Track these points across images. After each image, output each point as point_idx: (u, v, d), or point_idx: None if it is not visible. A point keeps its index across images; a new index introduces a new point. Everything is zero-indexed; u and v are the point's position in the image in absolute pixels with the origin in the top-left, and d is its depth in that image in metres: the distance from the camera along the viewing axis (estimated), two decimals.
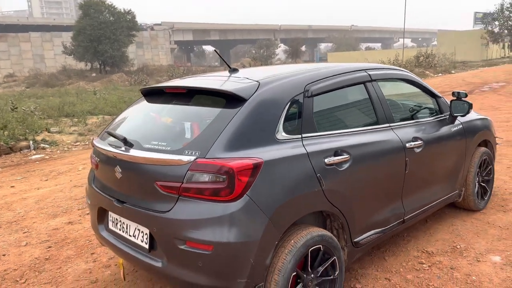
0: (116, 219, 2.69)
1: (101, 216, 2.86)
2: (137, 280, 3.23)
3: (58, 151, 8.45)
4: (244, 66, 38.70)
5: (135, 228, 2.52)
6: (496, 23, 38.75)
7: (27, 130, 8.82)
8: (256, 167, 2.16)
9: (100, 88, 21.38)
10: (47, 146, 8.66)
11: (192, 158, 2.17)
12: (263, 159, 2.21)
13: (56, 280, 3.30)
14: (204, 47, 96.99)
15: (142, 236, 2.46)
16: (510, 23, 38.08)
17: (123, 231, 2.64)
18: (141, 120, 2.95)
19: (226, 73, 2.97)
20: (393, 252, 3.40)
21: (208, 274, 2.16)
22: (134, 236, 2.53)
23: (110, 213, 2.76)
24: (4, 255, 3.79)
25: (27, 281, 3.30)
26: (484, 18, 53.43)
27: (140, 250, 2.48)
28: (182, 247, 2.18)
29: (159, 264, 2.33)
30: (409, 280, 2.97)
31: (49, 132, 9.51)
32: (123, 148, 2.53)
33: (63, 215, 4.75)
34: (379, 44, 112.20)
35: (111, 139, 2.73)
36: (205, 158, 2.16)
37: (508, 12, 38.42)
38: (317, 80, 2.71)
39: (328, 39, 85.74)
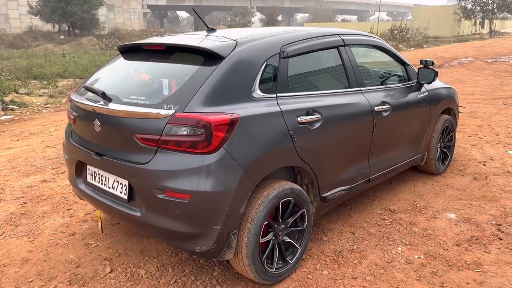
0: (95, 172, 2.77)
1: (79, 170, 2.93)
2: (114, 233, 3.34)
3: (28, 113, 8.28)
4: None
5: (114, 180, 2.61)
6: None
7: None
8: (232, 122, 2.27)
9: (69, 51, 20.69)
10: (16, 107, 8.46)
11: (171, 112, 2.26)
12: (239, 115, 2.32)
13: (33, 233, 3.37)
14: (178, 12, 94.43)
15: (121, 188, 2.56)
16: None
17: (101, 184, 2.72)
18: (119, 76, 2.98)
19: (204, 32, 3.02)
20: (358, 210, 3.63)
21: (185, 221, 2.29)
22: (113, 188, 2.62)
23: (88, 166, 2.83)
24: None
25: (3, 234, 3.36)
26: None
27: (119, 201, 2.57)
28: (160, 196, 2.30)
29: (138, 214, 2.44)
30: (371, 233, 3.21)
31: (17, 93, 9.25)
32: (101, 102, 2.58)
33: (37, 173, 4.76)
34: (355, 17, 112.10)
35: (90, 94, 2.77)
36: (184, 112, 2.25)
37: None
38: (292, 42, 2.80)
39: (305, 9, 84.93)
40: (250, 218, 2.40)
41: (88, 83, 2.96)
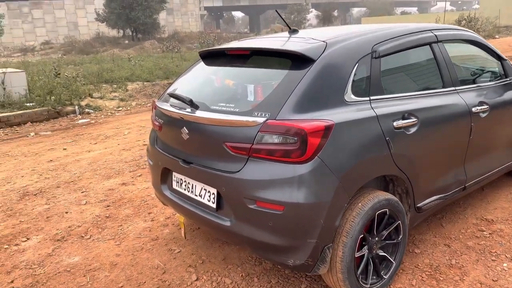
0: (181, 179, 2.76)
1: (164, 177, 2.94)
2: (195, 238, 3.34)
3: (102, 116, 8.67)
4: (275, 32, 37.99)
5: (201, 188, 2.58)
6: None
7: (72, 96, 9.05)
8: (327, 129, 2.15)
9: (134, 55, 21.55)
10: (91, 111, 8.89)
11: (262, 119, 2.18)
12: (334, 121, 2.19)
13: (119, 236, 3.45)
14: (234, 13, 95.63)
15: (209, 196, 2.52)
16: None
17: (188, 191, 2.71)
18: (201, 82, 2.96)
19: (286, 34, 2.92)
20: (450, 219, 3.36)
21: (278, 233, 2.20)
22: (200, 196, 2.60)
23: (174, 173, 2.83)
24: (66, 212, 3.98)
25: (92, 237, 3.48)
26: None
27: (206, 210, 2.54)
28: (251, 206, 2.23)
29: (226, 223, 2.39)
30: (470, 247, 2.94)
31: (91, 97, 9.74)
32: (189, 110, 2.56)
33: (116, 176, 4.92)
34: (415, 9, 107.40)
35: (175, 101, 2.77)
36: (276, 120, 2.16)
37: None
38: (384, 41, 2.62)
39: (362, 3, 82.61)
40: (345, 231, 2.26)
41: (172, 89, 2.97)
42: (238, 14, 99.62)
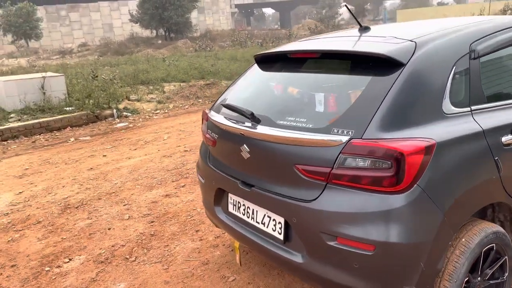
0: (239, 202, 2.42)
1: (218, 198, 2.61)
2: (250, 263, 3.00)
3: (140, 119, 8.50)
4: (309, 28, 37.20)
5: (265, 215, 2.23)
6: None
7: (109, 99, 8.93)
8: (428, 150, 1.74)
9: (167, 55, 21.55)
10: (129, 114, 8.74)
11: (345, 138, 1.79)
12: (435, 139, 1.77)
13: (166, 259, 3.16)
14: (264, 10, 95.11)
15: (275, 225, 2.16)
16: None
17: (247, 216, 2.36)
18: (260, 91, 2.60)
19: (355, 32, 2.52)
20: None
21: (366, 278, 1.81)
22: (263, 224, 2.24)
23: (230, 195, 2.49)
24: (109, 228, 3.74)
25: (137, 259, 3.20)
26: None
27: (270, 240, 2.19)
28: (331, 243, 1.85)
29: (297, 259, 2.02)
30: None
31: (129, 100, 9.60)
32: (249, 125, 2.21)
33: (159, 187, 4.66)
34: None
35: (230, 113, 2.43)
36: (362, 139, 1.76)
37: None
38: (483, 37, 2.17)
39: None
40: (448, 275, 1.85)
41: (226, 99, 2.62)
42: (268, 11, 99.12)
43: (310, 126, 1.96)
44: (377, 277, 1.79)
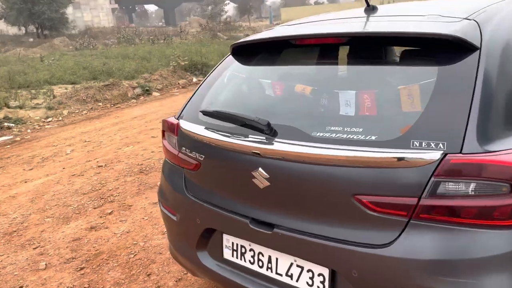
0: (243, 247, 1.76)
1: (204, 240, 1.91)
2: None
3: (29, 130, 7.02)
4: (200, 25, 36.31)
5: (291, 264, 1.62)
6: None
7: None
8: None
9: (45, 54, 19.07)
10: (12, 124, 7.19)
11: (438, 154, 1.26)
12: None
13: None
14: (146, 6, 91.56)
15: (311, 278, 1.56)
16: None
17: (260, 266, 1.72)
18: (252, 92, 1.97)
19: (361, 12, 2.02)
20: None
21: None
22: (289, 276, 1.63)
23: (227, 237, 1.81)
24: (21, 287, 2.72)
25: None
26: None
27: None
28: None
29: None
30: None
31: (9, 108, 7.95)
32: (262, 139, 1.57)
33: (78, 217, 3.66)
34: None
35: (219, 122, 1.75)
36: (463, 154, 1.25)
37: None
38: None
39: None
40: None
41: (207, 104, 1.94)
42: (151, 8, 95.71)
43: (373, 138, 1.39)
44: None
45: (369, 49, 1.74)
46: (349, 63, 1.78)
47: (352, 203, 1.39)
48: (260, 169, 1.57)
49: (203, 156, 1.81)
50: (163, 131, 2.15)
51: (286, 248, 1.60)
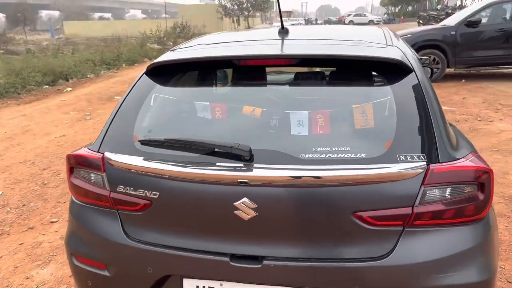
0: None
1: None
2: None
3: None
4: None
5: None
6: None
7: None
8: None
9: None
10: None
11: (422, 165, 1.41)
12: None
13: None
14: None
15: None
16: None
17: None
18: (199, 115, 1.76)
19: (276, 34, 2.09)
20: None
21: None
22: None
23: (189, 281, 1.58)
24: None
25: None
26: None
27: None
28: None
29: None
30: None
31: None
32: (240, 165, 1.45)
33: None
34: (109, 14, 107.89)
35: (169, 152, 1.55)
36: (441, 164, 1.43)
37: None
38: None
39: (54, 5, 76.53)
40: None
41: (157, 132, 1.66)
42: None
43: (363, 156, 1.44)
44: None
45: (310, 70, 1.80)
46: (296, 84, 1.80)
47: (352, 221, 1.41)
48: (245, 199, 1.43)
49: (157, 193, 1.53)
50: (71, 168, 1.73)
51: (279, 280, 1.49)
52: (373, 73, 1.75)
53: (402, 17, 49.58)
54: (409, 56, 1.76)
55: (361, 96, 1.70)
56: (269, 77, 1.92)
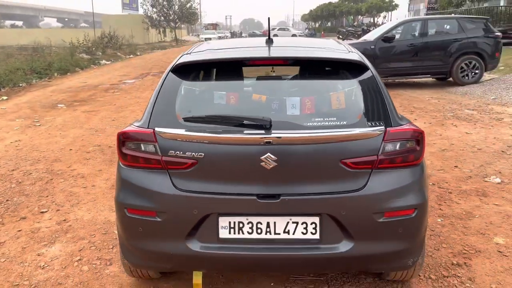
0: (241, 222, 2.19)
1: (194, 229, 2.19)
2: None
3: None
4: None
5: (287, 223, 2.20)
6: (154, 9, 42.99)
7: None
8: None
9: None
10: None
11: (382, 128, 2.16)
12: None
13: None
14: None
15: (305, 228, 2.19)
16: (165, 11, 43.17)
17: (258, 233, 2.19)
18: (212, 101, 2.36)
19: (263, 42, 2.75)
20: None
21: (407, 237, 2.25)
22: (287, 232, 2.20)
23: (224, 218, 2.17)
24: None
25: None
26: (130, 4, 57.80)
27: (300, 245, 2.19)
28: (380, 220, 2.17)
29: (341, 249, 2.17)
30: None
31: None
32: (262, 132, 2.10)
33: None
34: (21, 22, 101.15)
35: (208, 125, 2.17)
36: (393, 127, 2.20)
37: (161, 0, 43.39)
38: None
39: None
40: None
41: (196, 112, 2.25)
42: None
43: (345, 123, 2.16)
44: (415, 233, 2.28)
45: (293, 68, 2.50)
46: (289, 78, 2.48)
47: (339, 166, 2.12)
48: (268, 154, 2.07)
49: (203, 154, 2.11)
50: (124, 141, 2.23)
51: (290, 210, 2.14)
52: (342, 70, 2.48)
53: (322, 32, 52.91)
54: (364, 59, 2.52)
55: (336, 86, 2.43)
56: (269, 73, 2.58)
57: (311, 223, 2.16)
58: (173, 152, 2.14)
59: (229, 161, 2.16)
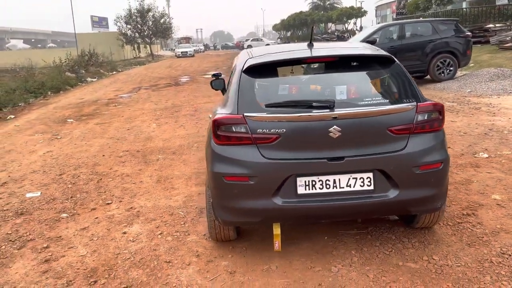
0: (313, 181, 2.87)
1: (278, 189, 2.86)
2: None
3: None
4: None
5: (349, 179, 2.89)
6: (129, 26, 43.33)
7: None
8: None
9: None
10: None
11: (414, 103, 2.91)
12: None
13: None
14: None
15: (362, 182, 2.90)
16: (139, 27, 43.60)
17: (327, 188, 2.87)
18: (292, 90, 3.09)
19: (305, 45, 3.47)
20: None
21: (437, 185, 3.00)
22: (349, 186, 2.89)
23: (300, 178, 2.85)
24: None
25: None
26: (99, 22, 57.87)
27: (358, 196, 2.89)
28: (417, 172, 2.90)
29: (390, 195, 2.89)
30: None
31: None
32: (327, 110, 2.81)
33: None
34: None
35: (285, 109, 2.87)
36: (424, 102, 2.95)
37: (135, 17, 43.83)
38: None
39: None
40: None
41: (274, 100, 2.97)
42: None
43: (387, 101, 2.90)
44: (442, 182, 3.02)
45: (339, 63, 3.22)
46: (336, 72, 3.20)
47: (386, 133, 2.85)
48: (335, 126, 2.77)
49: (284, 130, 2.79)
50: (218, 126, 2.89)
51: (349, 169, 2.84)
52: (375, 63, 3.22)
53: (296, 41, 54.34)
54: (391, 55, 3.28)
55: (373, 75, 3.17)
56: (319, 69, 3.29)
57: (367, 178, 2.87)
58: (261, 130, 2.81)
59: (304, 134, 2.85)
